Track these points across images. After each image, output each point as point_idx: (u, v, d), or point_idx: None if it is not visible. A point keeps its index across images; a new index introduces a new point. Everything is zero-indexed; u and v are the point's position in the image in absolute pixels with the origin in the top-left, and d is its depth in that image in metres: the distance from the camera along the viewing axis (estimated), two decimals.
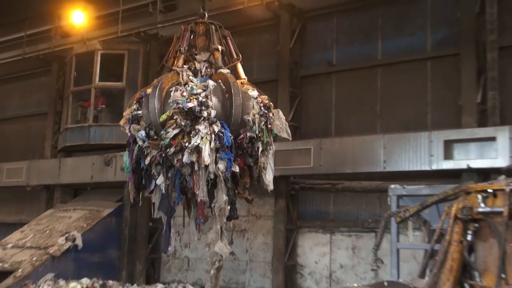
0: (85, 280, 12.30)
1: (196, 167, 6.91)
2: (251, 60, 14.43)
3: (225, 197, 7.21)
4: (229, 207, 7.59)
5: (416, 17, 12.54)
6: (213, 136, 6.90)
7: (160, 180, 7.27)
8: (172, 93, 7.10)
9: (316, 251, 12.95)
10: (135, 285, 13.29)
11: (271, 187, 7.90)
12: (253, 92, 7.58)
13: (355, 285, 4.05)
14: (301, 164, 12.37)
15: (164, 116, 6.95)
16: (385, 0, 12.84)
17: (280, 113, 7.98)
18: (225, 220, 7.62)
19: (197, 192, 7.05)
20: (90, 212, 15.03)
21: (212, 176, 6.98)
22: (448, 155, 10.76)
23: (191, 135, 6.88)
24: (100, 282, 12.50)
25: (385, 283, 3.92)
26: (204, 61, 7.75)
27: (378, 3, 12.93)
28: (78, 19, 16.14)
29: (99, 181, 15.62)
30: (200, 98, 7.00)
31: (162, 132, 6.96)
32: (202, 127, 6.88)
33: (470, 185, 3.90)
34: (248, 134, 7.27)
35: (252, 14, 13.78)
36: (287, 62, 13.55)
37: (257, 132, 7.35)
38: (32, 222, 15.69)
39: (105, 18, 16.23)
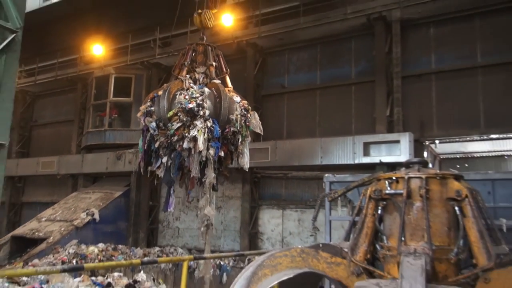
0: (101, 245, 12.06)
1: (192, 152, 6.98)
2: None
3: (213, 174, 7.24)
4: (215, 182, 7.62)
5: (344, 54, 12.66)
6: (206, 129, 7.00)
7: (165, 159, 7.32)
8: (177, 96, 7.19)
9: (272, 222, 12.96)
10: (138, 248, 13.06)
11: (246, 167, 7.93)
12: (237, 98, 7.65)
13: (299, 246, 4.03)
14: (262, 159, 12.36)
15: (170, 113, 7.03)
16: (322, 42, 12.93)
17: (256, 114, 8.08)
18: (211, 191, 7.66)
19: (191, 170, 7.08)
20: (105, 194, 14.82)
21: (204, 158, 7.04)
22: (366, 153, 10.89)
23: (190, 128, 6.95)
24: (112, 246, 12.27)
25: (320, 245, 3.87)
26: (202, 73, 7.79)
27: (317, 43, 13.02)
28: (97, 50, 16.00)
29: (112, 171, 15.40)
30: (198, 101, 7.09)
31: (168, 125, 7.03)
32: (198, 123, 6.97)
33: (380, 174, 3.91)
34: (232, 129, 7.36)
35: (226, 49, 13.67)
36: (252, 85, 13.53)
37: (238, 128, 7.42)
38: (61, 202, 15.36)
39: (118, 50, 16.04)
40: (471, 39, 10.80)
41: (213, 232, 13.68)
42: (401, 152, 10.31)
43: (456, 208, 3.54)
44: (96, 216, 13.39)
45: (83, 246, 11.99)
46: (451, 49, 11.05)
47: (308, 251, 3.72)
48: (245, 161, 7.86)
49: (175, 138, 7.01)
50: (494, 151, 13.41)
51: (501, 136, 10.45)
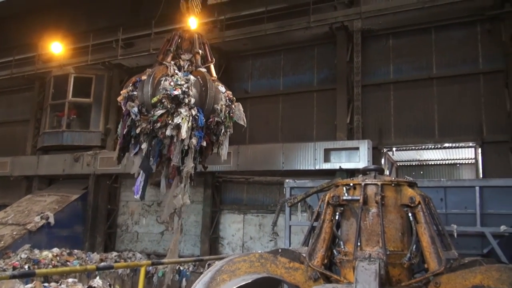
0: (56, 250, 11.63)
1: (175, 140, 6.79)
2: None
3: (192, 164, 7.09)
4: (193, 172, 7.45)
5: (307, 62, 12.84)
6: (191, 118, 6.84)
7: (144, 145, 7.10)
8: (162, 82, 6.95)
9: (233, 227, 12.91)
10: (95, 253, 12.68)
11: (225, 157, 7.80)
12: (222, 88, 7.51)
13: (260, 251, 4.03)
14: (224, 163, 12.28)
15: (155, 99, 6.84)
16: (285, 48, 13.07)
17: (240, 106, 7.95)
18: (189, 180, 7.49)
19: (172, 158, 6.90)
20: (61, 197, 14.34)
21: (186, 147, 6.83)
22: (327, 159, 11.06)
23: (174, 115, 6.76)
24: (67, 251, 11.87)
25: (279, 250, 3.89)
26: (187, 60, 7.59)
27: (281, 50, 13.15)
28: (57, 49, 15.46)
29: (69, 173, 14.93)
30: (184, 88, 6.86)
31: (152, 111, 6.79)
32: (183, 110, 6.84)
33: (339, 180, 3.98)
34: (216, 119, 7.21)
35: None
36: None
37: (222, 118, 7.29)
38: (14, 205, 14.71)
39: (79, 50, 15.56)
40: (427, 51, 11.22)
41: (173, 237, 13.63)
42: (360, 158, 10.54)
43: (410, 214, 3.65)
44: (51, 220, 12.93)
45: (36, 251, 11.54)
46: (409, 60, 11.44)
47: (266, 256, 3.73)
48: (224, 153, 7.77)
49: (158, 124, 6.80)
50: (447, 159, 13.98)
51: (453, 145, 10.90)
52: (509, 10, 9.77)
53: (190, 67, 7.59)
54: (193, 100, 6.95)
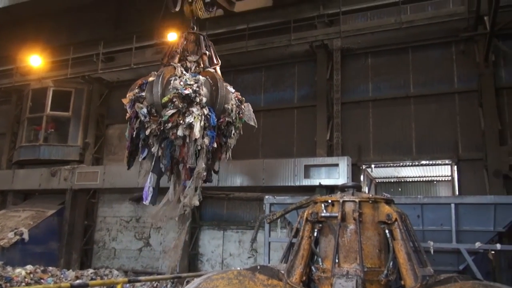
0: (29, 267, 11.33)
1: (187, 140, 6.63)
2: None
3: (203, 165, 6.94)
4: (205, 173, 7.27)
5: (288, 79, 12.98)
6: (203, 117, 6.68)
7: (155, 148, 6.90)
8: (172, 81, 6.78)
9: (212, 243, 12.79)
10: (70, 270, 12.39)
11: (228, 157, 7.72)
12: (231, 88, 7.43)
13: (238, 268, 3.99)
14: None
15: (165, 98, 6.64)
16: (267, 65, 13.19)
17: (249, 106, 7.86)
18: (201, 182, 7.32)
19: (186, 159, 6.73)
20: (36, 213, 13.98)
21: (199, 147, 6.71)
22: (307, 175, 11.10)
23: (186, 115, 6.60)
24: (42, 268, 11.56)
25: (258, 267, 3.89)
26: (194, 61, 7.49)
27: (262, 67, 13.25)
28: (35, 62, 15.27)
29: (45, 188, 14.57)
30: (194, 87, 6.72)
31: (162, 111, 6.61)
32: (195, 109, 6.63)
33: (317, 197, 4.02)
34: (226, 119, 7.09)
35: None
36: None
37: (233, 118, 7.18)
38: None
39: (58, 63, 15.41)
40: (405, 70, 11.49)
41: (152, 254, 13.44)
42: (340, 175, 10.63)
43: (387, 231, 3.70)
44: (25, 236, 12.60)
45: (9, 268, 11.21)
46: (387, 79, 11.67)
47: (245, 273, 3.72)
48: (229, 155, 7.66)
49: (169, 125, 6.63)
50: (425, 176, 14.23)
51: (430, 162, 11.11)
52: (482, 32, 10.09)
53: (197, 69, 7.50)
54: (204, 99, 6.80)
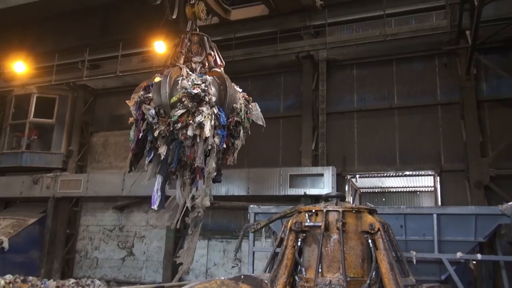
0: (9, 276, 11.08)
1: (197, 140, 6.51)
2: None
3: (214, 165, 6.85)
4: (215, 173, 7.15)
5: (274, 88, 13.05)
6: (213, 116, 6.57)
7: (163, 149, 6.73)
8: (180, 82, 6.69)
9: (196, 252, 12.52)
10: (51, 280, 12.16)
11: (234, 162, 7.50)
12: (238, 88, 7.37)
13: (222, 278, 4.00)
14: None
15: (174, 98, 6.49)
16: (253, 75, 13.23)
17: (257, 105, 7.78)
18: (211, 182, 7.23)
19: (196, 159, 6.57)
20: (17, 221, 13.69)
21: (209, 147, 6.61)
22: (292, 185, 11.13)
23: (196, 115, 6.48)
24: (22, 277, 11.32)
25: (242, 276, 3.88)
26: (199, 62, 7.41)
27: (248, 76, 13.28)
28: (19, 68, 15.06)
29: (27, 196, 14.34)
30: (203, 87, 6.63)
31: (172, 111, 6.49)
32: (204, 109, 6.52)
33: (301, 207, 4.04)
34: (235, 119, 7.03)
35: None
36: None
37: (242, 118, 7.12)
38: None
39: (42, 69, 15.21)
40: (389, 82, 11.65)
41: (135, 263, 13.28)
42: (325, 185, 10.69)
43: (370, 240, 3.74)
44: (5, 245, 12.32)
45: None
46: (372, 90, 11.82)
47: (228, 283, 3.71)
48: (235, 157, 7.56)
49: (179, 125, 6.49)
50: (408, 187, 14.39)
51: (413, 173, 11.25)
52: (464, 46, 10.32)
53: (202, 69, 7.46)
54: (214, 98, 6.70)
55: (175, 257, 12.24)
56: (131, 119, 7.32)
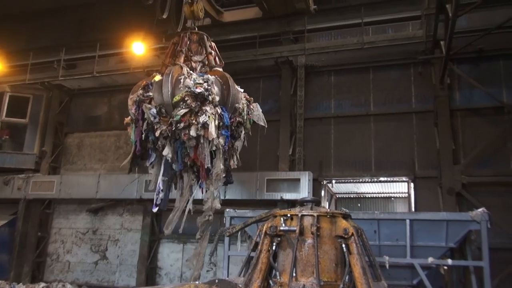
0: None
1: (201, 140, 6.35)
2: None
3: (221, 166, 6.67)
4: (224, 175, 7.01)
5: (253, 93, 12.83)
6: (216, 116, 6.42)
7: (166, 151, 6.54)
8: (182, 80, 6.45)
9: (171, 257, 12.58)
10: (21, 283, 11.85)
11: (239, 164, 7.41)
12: (239, 88, 7.22)
13: (196, 282, 3.96)
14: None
15: (177, 97, 6.30)
16: (233, 79, 13.19)
17: (258, 106, 7.61)
18: (221, 184, 7.03)
19: (202, 160, 6.40)
20: None
21: (214, 148, 6.46)
22: (269, 189, 11.15)
23: (199, 114, 6.31)
24: None
25: (216, 281, 3.86)
26: (199, 61, 7.22)
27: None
28: None
29: None
30: (206, 86, 6.45)
31: (175, 109, 6.30)
32: (208, 108, 6.35)
33: (276, 211, 4.05)
34: (237, 119, 6.87)
35: (135, 77, 13.44)
36: None
37: (245, 118, 6.96)
38: None
39: (16, 68, 14.83)
40: (366, 89, 11.83)
41: (108, 267, 13.06)
42: (301, 190, 10.75)
43: (343, 245, 3.78)
44: None
45: None
46: (349, 97, 11.98)
47: (202, 287, 3.69)
48: (236, 159, 7.41)
49: (181, 125, 6.31)
50: (383, 193, 14.62)
51: (388, 179, 11.44)
52: (438, 56, 10.57)
53: (203, 69, 7.29)
54: (217, 98, 6.53)
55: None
56: (126, 119, 7.13)
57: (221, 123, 6.56)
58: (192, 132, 6.32)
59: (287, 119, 11.97)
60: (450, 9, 8.09)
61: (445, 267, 7.38)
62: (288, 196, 10.85)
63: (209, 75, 6.83)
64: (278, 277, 3.79)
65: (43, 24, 15.84)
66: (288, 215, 3.89)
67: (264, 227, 3.93)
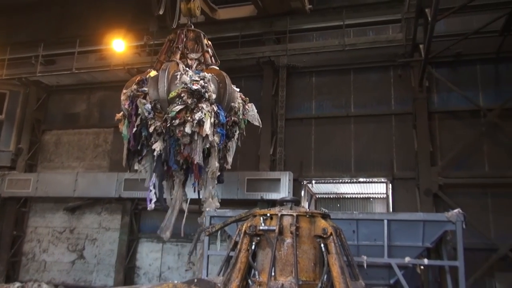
0: None
1: (195, 137, 6.22)
2: (112, 109, 13.91)
3: (217, 164, 6.52)
4: (219, 173, 6.88)
5: None
6: (212, 113, 6.30)
7: (158, 145, 6.39)
8: (179, 76, 6.29)
9: (151, 256, 12.47)
10: None
11: (229, 166, 7.29)
12: (235, 88, 7.08)
13: (176, 281, 3.94)
14: (145, 190, 11.97)
15: (173, 93, 6.17)
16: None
17: (253, 106, 7.49)
18: (216, 182, 6.89)
19: (194, 157, 6.27)
20: None
21: (208, 145, 6.33)
22: (249, 189, 11.14)
23: (195, 111, 6.17)
24: None
25: (195, 280, 3.85)
26: (196, 59, 7.06)
27: None
28: None
29: None
30: (202, 83, 6.31)
31: (171, 106, 6.15)
32: (204, 105, 6.22)
33: (256, 211, 4.06)
34: (233, 118, 6.72)
35: (115, 76, 13.35)
36: None
37: (240, 117, 6.83)
38: None
39: None
40: (346, 91, 11.94)
41: (86, 267, 12.85)
42: (282, 190, 10.78)
43: (322, 245, 3.80)
44: None
45: None
46: (329, 98, 12.06)
47: (181, 286, 3.67)
48: (230, 160, 7.28)
49: (176, 121, 6.17)
50: (362, 193, 14.77)
51: (367, 180, 11.57)
52: (417, 59, 10.74)
53: (199, 66, 7.10)
54: (214, 96, 6.44)
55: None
56: (118, 116, 6.96)
57: (216, 121, 6.48)
58: (187, 129, 6.23)
59: (269, 119, 11.98)
60: (429, 14, 8.22)
61: (422, 267, 7.50)
62: (268, 196, 10.86)
63: (205, 73, 6.72)
64: (257, 277, 3.80)
65: (21, 18, 15.50)
66: (268, 214, 3.90)
67: (244, 226, 3.93)
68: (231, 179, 11.28)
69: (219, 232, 7.03)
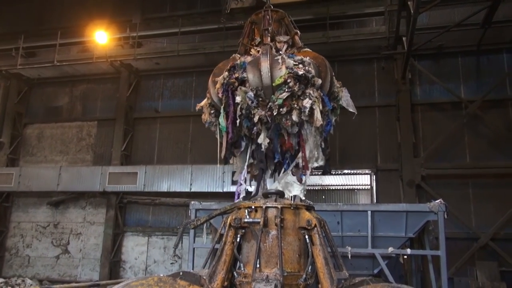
0: None
1: (305, 126, 5.68)
2: (95, 102, 13.77)
3: (322, 155, 6.28)
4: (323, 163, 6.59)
5: None
6: (319, 100, 5.69)
7: (261, 138, 5.80)
8: (281, 60, 5.89)
9: (136, 250, 12.43)
10: None
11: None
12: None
13: (161, 275, 3.93)
14: (130, 183, 11.93)
15: (280, 80, 5.51)
16: (197, 71, 13.09)
17: (346, 91, 6.99)
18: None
19: (305, 148, 5.79)
20: None
21: (318, 135, 5.82)
22: (234, 182, 11.16)
23: (301, 98, 5.56)
24: None
25: (181, 273, 3.83)
26: (284, 42, 6.63)
27: (193, 72, 13.16)
28: None
29: None
30: (306, 67, 5.61)
31: (276, 93, 5.53)
32: (311, 92, 5.62)
33: (241, 203, 4.06)
34: (332, 104, 6.38)
35: (98, 68, 13.17)
36: (124, 106, 13.11)
37: (339, 103, 6.44)
38: None
39: None
40: None
41: (70, 261, 12.74)
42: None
43: (306, 236, 3.82)
44: None
45: None
46: None
47: (166, 279, 3.65)
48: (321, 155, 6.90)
49: (284, 109, 5.65)
50: (347, 185, 14.88)
51: (352, 171, 11.65)
52: (400, 52, 10.82)
53: (289, 50, 6.68)
54: (320, 81, 5.76)
55: None
56: (199, 106, 6.59)
57: (322, 108, 5.87)
58: (295, 118, 5.71)
59: None
60: (411, 6, 8.27)
61: (405, 257, 7.61)
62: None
63: (301, 56, 6.07)
64: (242, 269, 3.80)
65: (1, 9, 15.15)
66: (252, 207, 3.89)
67: (229, 219, 3.92)
68: (216, 172, 11.30)
69: (205, 225, 7.01)
